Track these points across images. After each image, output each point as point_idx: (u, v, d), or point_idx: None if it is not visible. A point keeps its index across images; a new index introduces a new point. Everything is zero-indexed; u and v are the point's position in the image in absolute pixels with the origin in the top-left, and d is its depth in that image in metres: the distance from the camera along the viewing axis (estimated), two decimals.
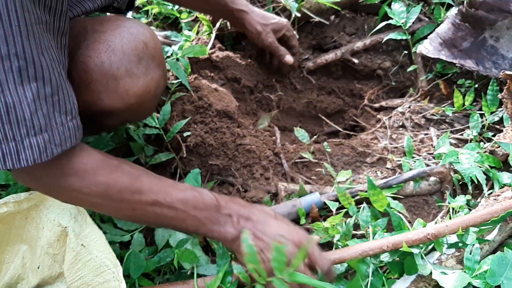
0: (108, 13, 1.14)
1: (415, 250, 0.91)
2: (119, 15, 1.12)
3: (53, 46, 0.70)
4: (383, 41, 1.45)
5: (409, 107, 1.37)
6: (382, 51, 1.51)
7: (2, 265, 0.90)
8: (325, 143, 1.29)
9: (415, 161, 1.21)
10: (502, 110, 1.24)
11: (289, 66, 1.39)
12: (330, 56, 1.49)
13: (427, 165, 1.18)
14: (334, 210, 1.06)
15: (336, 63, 1.51)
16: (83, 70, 0.81)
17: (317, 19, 1.48)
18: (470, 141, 1.24)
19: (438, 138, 1.27)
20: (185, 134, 1.14)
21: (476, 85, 1.34)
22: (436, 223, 1.06)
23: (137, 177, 0.80)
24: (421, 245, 0.94)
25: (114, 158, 0.81)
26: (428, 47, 1.30)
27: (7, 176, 1.02)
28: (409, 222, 1.07)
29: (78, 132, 0.75)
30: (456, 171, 1.15)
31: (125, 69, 0.82)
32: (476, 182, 1.10)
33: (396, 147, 1.28)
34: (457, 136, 1.28)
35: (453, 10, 1.38)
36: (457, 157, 1.14)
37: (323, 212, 1.11)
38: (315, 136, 1.40)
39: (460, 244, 0.95)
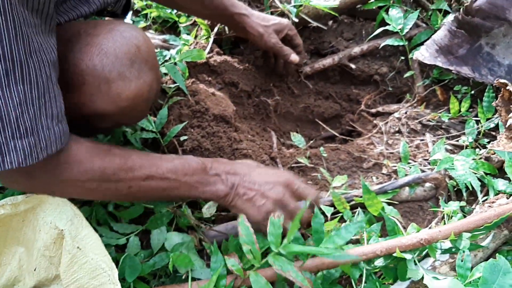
0: (104, 17, 1.15)
1: (408, 256, 0.92)
2: (115, 19, 1.12)
3: (43, 49, 0.70)
4: (380, 47, 1.46)
5: (406, 112, 1.38)
6: (379, 56, 1.52)
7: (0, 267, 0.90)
8: (321, 148, 1.30)
9: (410, 167, 1.21)
10: (497, 117, 1.24)
11: (295, 65, 1.39)
12: (327, 61, 1.49)
13: (423, 171, 1.19)
14: (329, 215, 1.07)
15: (333, 68, 1.52)
16: (76, 72, 0.82)
17: (315, 24, 1.49)
18: (466, 148, 1.25)
19: (434, 144, 1.28)
20: (181, 138, 1.14)
21: (473, 92, 1.35)
22: (430, 228, 1.07)
23: (128, 157, 0.84)
24: (415, 250, 0.94)
25: (102, 143, 0.85)
26: (424, 54, 1.31)
27: None
28: (404, 227, 1.08)
29: (64, 136, 0.75)
30: (451, 177, 1.15)
31: (117, 72, 0.82)
32: (471, 189, 1.11)
33: (392, 153, 1.29)
34: (453, 142, 1.29)
35: (450, 17, 1.39)
36: (452, 164, 1.15)
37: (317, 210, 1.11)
38: (311, 141, 1.40)
39: (453, 250, 0.95)
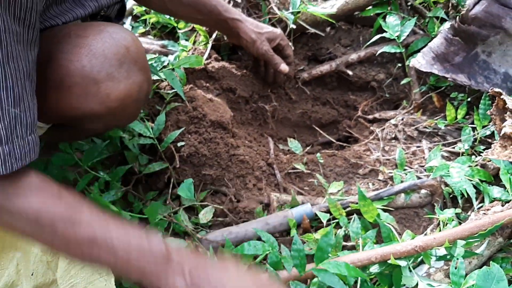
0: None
1: (402, 263, 0.92)
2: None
3: (21, 58, 0.69)
4: (377, 54, 1.47)
5: (402, 119, 1.39)
6: (376, 63, 1.52)
7: None
8: (318, 154, 1.31)
9: (406, 174, 1.22)
10: (493, 124, 1.25)
11: (284, 75, 1.40)
12: (325, 67, 1.50)
13: (419, 178, 1.20)
14: (325, 221, 1.08)
15: (331, 75, 1.53)
16: (64, 73, 0.82)
17: (312, 30, 1.50)
18: (462, 155, 1.25)
19: (430, 150, 1.29)
20: (179, 144, 1.15)
21: (469, 99, 1.36)
22: (425, 235, 1.08)
23: (77, 209, 0.73)
24: (410, 257, 0.95)
25: (56, 183, 0.75)
26: (421, 61, 1.32)
27: None
28: (399, 234, 1.08)
29: (36, 147, 0.73)
30: (446, 184, 1.16)
31: (106, 73, 0.82)
32: (466, 196, 1.12)
33: (388, 159, 1.29)
34: (449, 149, 1.29)
35: (447, 25, 1.39)
36: (448, 171, 1.16)
37: (314, 223, 1.12)
38: (308, 147, 1.41)
39: (448, 257, 0.96)
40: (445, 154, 1.28)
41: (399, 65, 1.48)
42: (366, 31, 1.57)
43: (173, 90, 1.23)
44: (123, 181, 1.16)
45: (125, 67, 0.85)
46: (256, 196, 1.17)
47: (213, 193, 1.17)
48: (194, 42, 1.47)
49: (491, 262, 0.92)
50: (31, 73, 0.73)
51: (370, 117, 1.47)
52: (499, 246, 1.03)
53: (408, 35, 1.44)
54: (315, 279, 0.94)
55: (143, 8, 1.62)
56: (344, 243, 1.06)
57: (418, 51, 1.41)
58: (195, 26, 1.45)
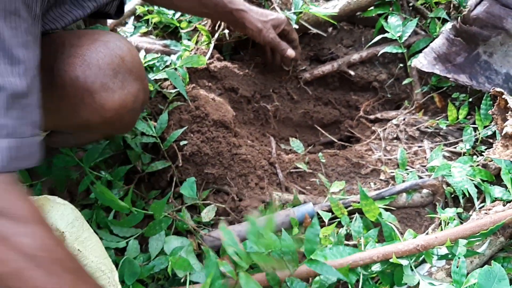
0: (98, 19, 1.14)
1: (404, 262, 0.93)
2: (100, 29, 1.12)
3: (32, 49, 0.68)
4: (379, 54, 1.47)
5: (404, 119, 1.39)
6: (378, 63, 1.53)
7: None
8: (320, 154, 1.31)
9: (408, 173, 1.23)
10: (495, 124, 1.25)
11: (291, 60, 1.41)
12: (327, 67, 1.51)
13: (420, 177, 1.20)
14: (326, 220, 1.08)
15: (333, 75, 1.53)
16: (59, 84, 0.81)
17: (314, 31, 1.50)
18: (463, 155, 1.26)
19: (431, 150, 1.29)
20: (181, 143, 1.16)
21: (470, 99, 1.36)
22: (427, 234, 1.08)
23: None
24: (411, 256, 0.96)
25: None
26: (422, 61, 1.32)
27: None
28: (401, 233, 1.09)
29: (41, 148, 0.68)
30: (448, 184, 1.16)
31: (100, 83, 0.81)
32: (468, 196, 1.12)
33: (390, 159, 1.30)
34: (450, 149, 1.30)
35: (448, 25, 1.40)
36: (450, 170, 1.16)
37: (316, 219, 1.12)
38: (310, 147, 1.42)
39: (450, 256, 0.96)
40: (447, 154, 1.28)
41: (401, 65, 1.49)
42: (368, 32, 1.57)
43: (176, 90, 1.24)
44: (126, 180, 1.17)
45: (119, 77, 0.83)
46: (258, 195, 1.18)
47: (215, 192, 1.18)
48: (197, 42, 1.48)
49: (492, 261, 0.92)
50: (38, 69, 0.71)
51: (372, 117, 1.47)
52: (500, 245, 1.04)
53: (409, 36, 1.45)
54: (317, 278, 0.94)
55: (146, 8, 1.63)
56: (346, 242, 1.06)
57: (420, 51, 1.41)
58: (198, 26, 1.45)
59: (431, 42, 1.39)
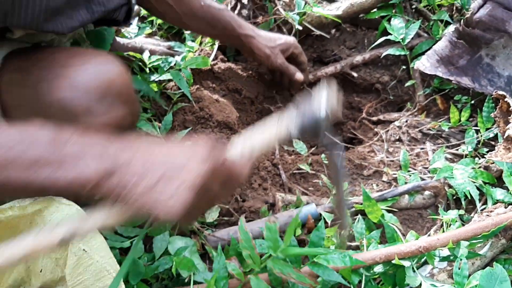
0: (105, 26, 1.15)
1: (406, 263, 0.93)
2: (109, 29, 1.12)
3: None
4: (382, 56, 1.48)
5: (406, 121, 1.40)
6: (381, 65, 1.54)
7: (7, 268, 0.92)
8: (323, 155, 1.32)
9: (410, 175, 1.23)
10: (497, 127, 1.26)
11: (300, 83, 1.42)
12: (330, 69, 1.52)
13: (422, 179, 1.21)
14: (329, 221, 1.09)
15: (335, 76, 1.54)
16: (45, 103, 0.79)
17: (318, 32, 1.51)
18: (465, 157, 1.26)
19: (434, 152, 1.30)
20: None
21: (473, 101, 1.37)
22: (429, 236, 1.09)
23: None
24: (413, 258, 0.96)
25: None
26: (425, 64, 1.33)
27: None
28: (403, 234, 1.09)
29: None
30: (450, 186, 1.17)
31: (85, 107, 0.79)
32: (470, 198, 1.13)
33: (392, 161, 1.30)
34: (452, 151, 1.30)
35: (451, 28, 1.41)
36: (452, 172, 1.17)
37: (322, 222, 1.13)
38: (313, 148, 1.42)
39: (452, 257, 0.97)
40: (449, 156, 1.29)
41: (404, 67, 1.49)
42: (371, 33, 1.58)
43: (180, 91, 1.25)
44: None
45: (106, 101, 0.80)
46: (262, 196, 1.18)
47: None
48: (201, 43, 1.49)
49: (494, 263, 0.93)
50: None
51: (375, 118, 1.48)
52: (502, 247, 1.04)
53: (412, 38, 1.46)
54: (319, 278, 0.95)
55: None
56: (349, 243, 1.07)
57: (423, 53, 1.42)
58: None
59: (434, 44, 1.39)
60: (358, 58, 1.51)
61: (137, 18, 1.67)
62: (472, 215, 1.13)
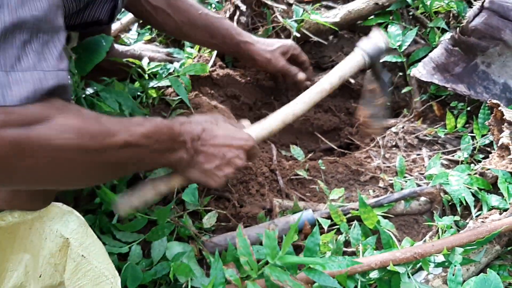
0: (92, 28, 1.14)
1: (401, 269, 0.94)
2: (107, 37, 1.10)
3: None
4: None
5: (403, 127, 1.41)
6: None
7: (6, 273, 0.93)
8: (320, 161, 1.33)
9: (406, 181, 1.24)
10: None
11: (304, 82, 1.44)
12: None
13: (418, 185, 1.22)
14: (326, 227, 1.10)
15: None
16: None
17: (315, 39, 1.52)
18: (461, 163, 1.28)
19: (430, 158, 1.31)
20: None
21: (469, 108, 1.38)
22: (424, 242, 1.10)
23: (101, 120, 0.72)
24: (409, 264, 0.97)
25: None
26: (421, 71, 1.35)
27: None
28: (399, 240, 1.11)
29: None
30: (446, 192, 1.18)
31: None
32: (465, 204, 1.14)
33: (388, 167, 1.32)
34: (448, 157, 1.32)
35: (447, 35, 1.42)
36: (447, 179, 1.18)
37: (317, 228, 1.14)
38: (310, 154, 1.43)
39: (446, 264, 0.98)
40: (445, 162, 1.30)
41: (400, 74, 1.51)
42: None
43: (179, 97, 1.26)
44: (128, 185, 1.19)
45: None
46: (259, 202, 1.20)
47: (216, 198, 1.20)
48: (199, 50, 1.50)
49: (488, 269, 0.94)
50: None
51: None
52: (496, 253, 1.06)
53: (409, 45, 1.47)
54: (316, 284, 0.96)
55: None
56: (345, 249, 1.08)
57: (419, 60, 1.43)
58: None
59: (430, 51, 1.41)
60: None
61: (136, 24, 1.69)
62: (467, 221, 1.14)
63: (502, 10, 1.23)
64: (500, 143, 1.05)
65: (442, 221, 1.12)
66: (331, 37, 1.61)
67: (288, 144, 1.45)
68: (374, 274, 0.97)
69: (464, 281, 0.94)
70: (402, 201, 1.18)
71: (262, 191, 1.22)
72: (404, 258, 0.95)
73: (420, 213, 1.19)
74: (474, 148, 1.30)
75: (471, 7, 1.35)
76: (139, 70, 1.31)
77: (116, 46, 1.41)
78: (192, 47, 1.52)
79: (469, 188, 1.16)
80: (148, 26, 1.66)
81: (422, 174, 1.28)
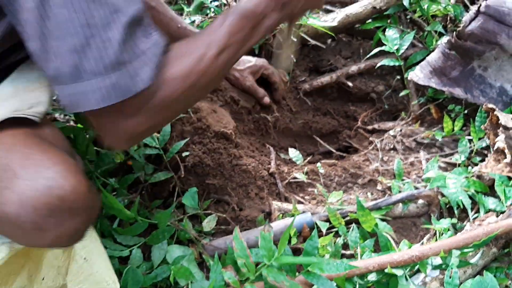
0: None
1: (399, 272, 0.95)
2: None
3: None
4: (377, 66, 1.51)
5: (401, 130, 1.42)
6: (376, 75, 1.56)
7: (10, 276, 0.94)
8: (319, 164, 1.34)
9: (404, 184, 1.25)
10: None
11: (277, 101, 1.49)
12: (326, 78, 1.54)
13: (416, 188, 1.23)
14: (324, 230, 1.11)
15: (331, 86, 1.57)
16: None
17: (314, 42, 1.54)
18: (458, 166, 1.29)
19: (427, 161, 1.32)
20: (183, 154, 1.19)
21: (466, 111, 1.39)
22: (422, 245, 1.11)
23: (190, 49, 0.80)
24: (406, 266, 0.98)
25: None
26: (419, 75, 1.36)
27: None
28: (397, 243, 1.12)
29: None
30: (443, 195, 1.19)
31: (32, 223, 0.75)
32: (462, 206, 1.15)
33: (387, 170, 1.33)
34: (446, 160, 1.32)
35: (444, 39, 1.43)
36: (444, 182, 1.19)
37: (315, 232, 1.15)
38: (310, 157, 1.45)
39: (444, 266, 0.99)
40: (442, 165, 1.31)
41: (398, 77, 1.52)
42: (366, 43, 1.61)
43: None
44: (128, 188, 1.20)
45: (56, 216, 0.76)
46: (258, 205, 1.21)
47: (216, 202, 1.21)
48: None
49: (485, 271, 0.95)
50: None
51: (370, 127, 1.50)
52: (493, 256, 1.06)
53: (407, 48, 1.48)
54: (314, 287, 0.97)
55: None
56: (343, 252, 1.09)
57: (417, 63, 1.45)
58: None
59: (428, 55, 1.42)
60: (354, 68, 1.54)
61: None
62: (464, 223, 1.15)
63: (498, 15, 1.24)
64: (495, 147, 1.06)
65: (440, 223, 1.13)
66: (329, 41, 1.62)
67: (287, 148, 1.46)
68: (372, 277, 0.98)
69: (461, 283, 0.95)
70: (400, 204, 1.19)
71: (261, 195, 1.23)
72: (402, 260, 0.96)
73: (418, 215, 1.20)
74: (472, 151, 1.31)
75: (468, 11, 1.36)
76: None
77: None
78: None
79: (466, 191, 1.17)
80: None
81: (420, 177, 1.29)
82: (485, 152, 1.30)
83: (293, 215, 1.16)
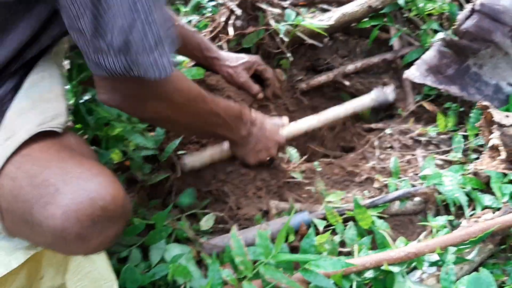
0: None
1: (396, 269, 0.96)
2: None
3: None
4: (373, 64, 1.51)
5: (398, 128, 1.43)
6: (372, 73, 1.57)
7: (9, 276, 0.94)
8: (316, 163, 1.35)
9: (401, 182, 1.26)
10: None
11: (273, 96, 1.51)
12: (323, 77, 1.55)
13: (413, 186, 1.24)
14: (321, 228, 1.11)
15: (328, 85, 1.58)
16: (35, 220, 0.78)
17: (310, 41, 1.54)
18: (455, 163, 1.29)
19: (424, 159, 1.33)
20: (180, 153, 1.19)
21: (462, 108, 1.40)
22: (418, 242, 1.11)
23: (200, 89, 1.00)
24: (403, 263, 0.99)
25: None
26: (414, 73, 1.36)
27: None
28: (394, 240, 1.12)
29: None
30: (440, 192, 1.20)
31: (76, 234, 0.77)
32: (459, 204, 1.16)
33: (383, 167, 1.33)
34: (443, 157, 1.33)
35: (440, 36, 1.44)
36: (441, 179, 1.19)
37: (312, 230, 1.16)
38: (306, 156, 1.45)
39: (440, 263, 1.00)
40: (439, 162, 1.32)
41: (394, 75, 1.52)
42: (363, 42, 1.62)
43: None
44: (126, 189, 1.20)
45: (98, 226, 0.79)
46: (256, 204, 1.21)
47: (214, 201, 1.21)
48: None
49: (481, 268, 0.95)
50: None
51: (366, 126, 1.51)
52: (489, 252, 1.07)
53: (403, 46, 1.49)
54: (311, 285, 0.97)
55: None
56: (340, 249, 1.10)
57: (413, 62, 1.45)
58: None
59: (423, 53, 1.42)
60: (350, 67, 1.55)
61: None
62: (461, 220, 1.15)
63: (492, 13, 1.25)
64: (490, 144, 1.07)
65: (436, 221, 1.14)
66: (326, 40, 1.63)
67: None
68: (369, 274, 0.98)
69: (457, 279, 0.95)
70: (397, 202, 1.20)
71: (259, 193, 1.24)
72: (399, 257, 0.97)
73: (414, 213, 1.21)
74: (468, 148, 1.31)
75: (463, 9, 1.36)
76: None
77: None
78: None
79: (463, 188, 1.18)
80: None
81: (417, 174, 1.29)
82: (481, 149, 1.30)
83: (290, 214, 1.17)
